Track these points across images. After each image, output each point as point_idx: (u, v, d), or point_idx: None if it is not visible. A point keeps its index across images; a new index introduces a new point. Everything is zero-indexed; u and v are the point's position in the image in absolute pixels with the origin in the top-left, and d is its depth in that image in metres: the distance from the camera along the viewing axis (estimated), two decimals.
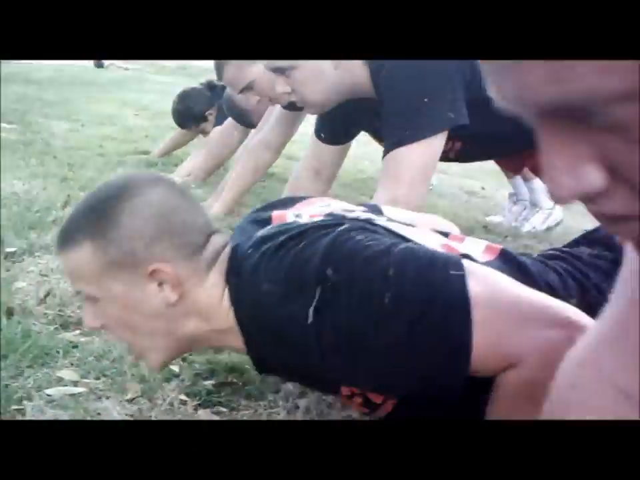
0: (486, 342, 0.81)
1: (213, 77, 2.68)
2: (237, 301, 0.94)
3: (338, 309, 0.84)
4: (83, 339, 1.31)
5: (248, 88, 1.94)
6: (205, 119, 3.20)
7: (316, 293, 0.85)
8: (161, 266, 0.91)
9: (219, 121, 3.03)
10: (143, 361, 1.04)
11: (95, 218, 0.92)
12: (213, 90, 3.22)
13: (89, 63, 10.84)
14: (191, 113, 3.16)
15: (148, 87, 8.22)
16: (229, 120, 2.80)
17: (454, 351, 0.82)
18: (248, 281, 0.92)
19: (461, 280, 0.83)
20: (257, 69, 1.88)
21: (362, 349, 0.85)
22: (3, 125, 3.84)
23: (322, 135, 1.75)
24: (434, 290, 0.83)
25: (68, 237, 0.94)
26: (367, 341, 0.84)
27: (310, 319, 0.84)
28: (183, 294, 0.93)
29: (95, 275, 0.92)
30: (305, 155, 1.88)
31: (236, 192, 2.32)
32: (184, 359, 1.25)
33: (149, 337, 0.97)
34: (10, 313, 1.35)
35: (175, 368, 1.22)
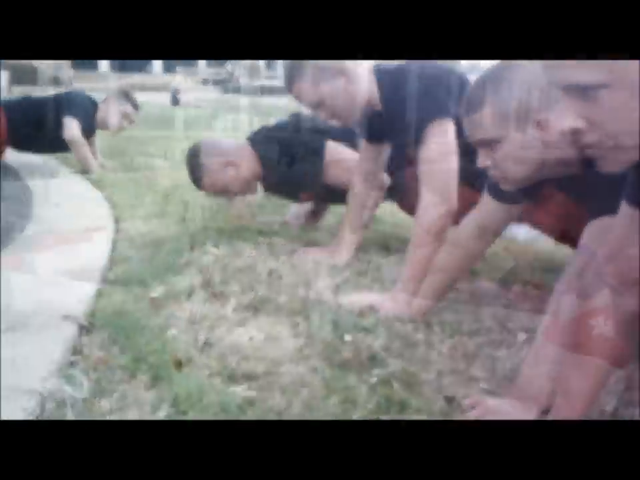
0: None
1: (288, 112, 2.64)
2: None
3: None
4: (256, 394, 1.24)
5: (319, 104, 1.88)
6: None
7: None
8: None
9: None
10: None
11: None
12: None
13: (165, 101, 11.14)
14: None
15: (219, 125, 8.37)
16: None
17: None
18: None
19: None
20: (329, 88, 1.84)
21: None
22: (105, 160, 3.91)
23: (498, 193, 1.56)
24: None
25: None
26: None
27: None
28: None
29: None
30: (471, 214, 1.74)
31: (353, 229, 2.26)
32: None
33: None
34: (179, 364, 1.30)
35: None
